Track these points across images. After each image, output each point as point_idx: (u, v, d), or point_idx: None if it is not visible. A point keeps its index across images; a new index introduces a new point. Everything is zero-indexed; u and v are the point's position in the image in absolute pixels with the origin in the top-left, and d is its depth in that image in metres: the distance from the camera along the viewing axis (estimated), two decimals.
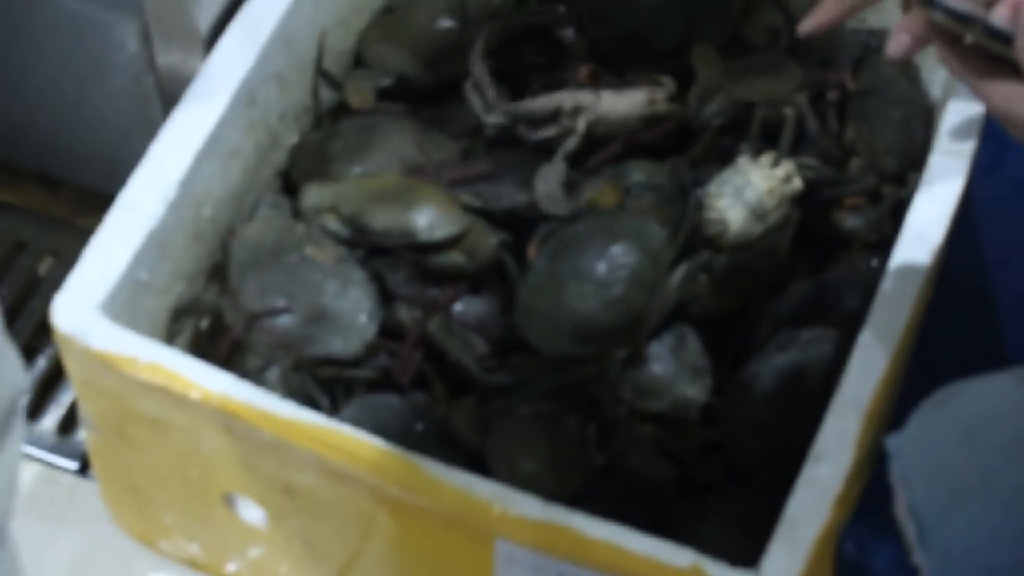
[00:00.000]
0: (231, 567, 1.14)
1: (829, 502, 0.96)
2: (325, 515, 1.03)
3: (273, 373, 1.08)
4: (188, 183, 1.08)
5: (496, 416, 1.07)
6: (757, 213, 1.12)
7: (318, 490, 1.01)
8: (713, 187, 1.13)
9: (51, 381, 1.28)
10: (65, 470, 1.23)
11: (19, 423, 0.74)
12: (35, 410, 1.26)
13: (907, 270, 1.04)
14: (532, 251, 1.08)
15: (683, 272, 1.08)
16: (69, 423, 1.25)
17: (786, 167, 1.14)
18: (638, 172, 1.14)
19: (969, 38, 0.83)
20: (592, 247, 1.08)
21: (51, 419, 1.26)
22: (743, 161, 1.14)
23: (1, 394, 0.71)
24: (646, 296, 1.07)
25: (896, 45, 0.88)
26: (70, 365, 1.04)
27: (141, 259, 1.05)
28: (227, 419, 0.99)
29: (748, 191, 1.12)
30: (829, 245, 1.18)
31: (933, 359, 1.29)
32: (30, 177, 1.36)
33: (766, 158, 1.14)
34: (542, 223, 1.10)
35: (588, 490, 1.06)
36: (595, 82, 1.21)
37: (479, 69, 1.16)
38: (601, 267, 1.07)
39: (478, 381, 1.08)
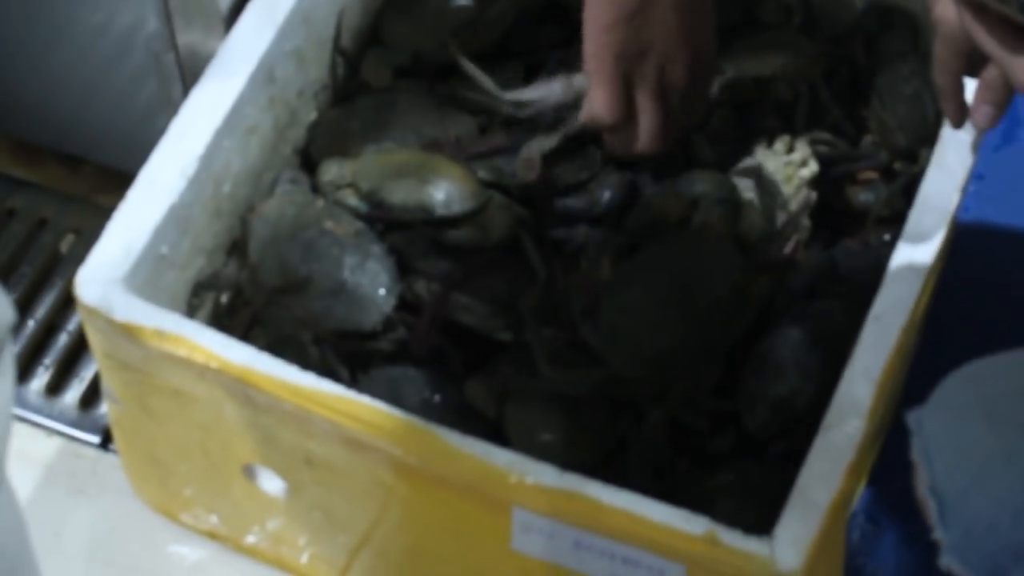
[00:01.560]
0: (251, 538, 1.16)
1: (842, 470, 0.97)
2: (344, 485, 1.05)
3: (292, 346, 1.09)
4: (208, 159, 1.09)
5: (513, 386, 1.08)
6: (778, 203, 1.13)
7: (337, 460, 1.02)
8: (732, 180, 1.14)
9: (72, 356, 1.29)
10: (87, 443, 1.25)
11: (8, 357, 0.75)
12: (57, 385, 1.28)
13: (919, 241, 1.05)
14: (607, 267, 1.07)
15: (757, 303, 1.09)
16: (91, 398, 1.27)
17: (801, 151, 1.15)
18: (703, 183, 1.12)
19: (1003, 11, 0.83)
20: (680, 273, 1.06)
21: (73, 394, 1.27)
22: (759, 150, 1.15)
23: None
24: (725, 325, 1.07)
25: (983, 117, 0.89)
26: (93, 337, 1.05)
27: (162, 234, 1.06)
28: (248, 390, 1.00)
29: (767, 182, 1.13)
30: (842, 220, 1.19)
31: (946, 330, 1.30)
32: (51, 155, 1.38)
33: (780, 144, 1.15)
34: (611, 233, 1.08)
35: (605, 460, 1.07)
36: None
37: (470, 68, 1.16)
38: (689, 296, 1.05)
39: (498, 340, 1.09)
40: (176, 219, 1.07)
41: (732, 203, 1.11)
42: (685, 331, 1.05)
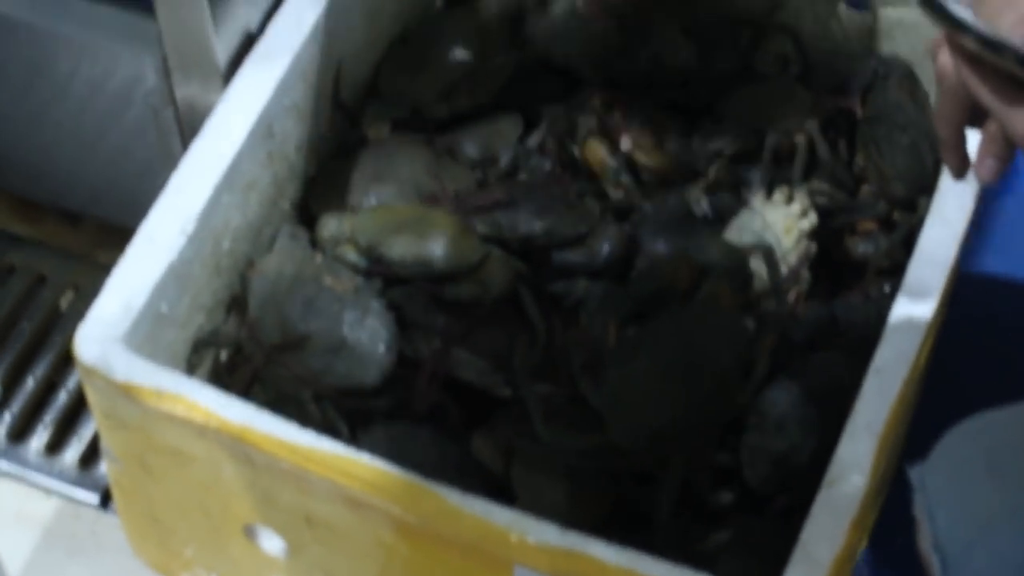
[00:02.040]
0: None
1: (845, 526, 0.96)
2: (345, 545, 1.04)
3: (292, 404, 1.09)
4: (207, 216, 1.09)
5: (518, 443, 1.08)
6: (778, 255, 1.13)
7: (338, 519, 1.02)
8: (732, 234, 1.14)
9: (72, 415, 1.29)
10: (86, 504, 1.24)
11: None
12: (56, 444, 1.27)
13: (919, 293, 1.05)
14: (612, 333, 1.06)
15: (759, 376, 1.08)
16: (90, 457, 1.27)
17: (801, 202, 1.15)
18: (715, 251, 1.12)
19: (999, 65, 0.83)
20: (686, 347, 1.05)
21: (72, 453, 1.27)
22: (757, 202, 1.15)
23: None
24: (729, 399, 1.06)
25: (986, 171, 0.88)
26: (92, 396, 1.05)
27: (161, 291, 1.06)
28: (247, 449, 1.00)
29: (767, 235, 1.13)
30: (842, 271, 1.19)
31: (947, 381, 1.30)
32: (51, 211, 1.38)
33: (779, 195, 1.15)
34: (615, 295, 1.07)
35: (608, 519, 1.07)
36: (608, 110, 1.22)
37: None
38: (694, 370, 1.05)
39: (498, 398, 1.09)
40: (175, 276, 1.07)
41: (742, 275, 1.10)
42: (688, 406, 1.05)
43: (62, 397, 1.29)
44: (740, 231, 1.14)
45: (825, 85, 1.27)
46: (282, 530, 1.06)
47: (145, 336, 1.05)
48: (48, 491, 1.25)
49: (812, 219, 1.15)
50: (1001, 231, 1.39)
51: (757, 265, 1.13)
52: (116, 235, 1.34)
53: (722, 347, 1.06)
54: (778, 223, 1.14)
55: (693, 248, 1.11)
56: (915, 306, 1.05)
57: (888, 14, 1.28)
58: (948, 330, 1.30)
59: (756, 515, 1.08)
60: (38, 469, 1.25)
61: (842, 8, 1.30)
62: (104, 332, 1.02)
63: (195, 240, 1.08)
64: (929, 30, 1.25)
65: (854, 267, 1.18)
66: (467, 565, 1.00)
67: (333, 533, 1.03)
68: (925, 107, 1.27)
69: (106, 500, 1.24)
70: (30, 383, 1.29)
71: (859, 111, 1.23)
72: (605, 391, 1.04)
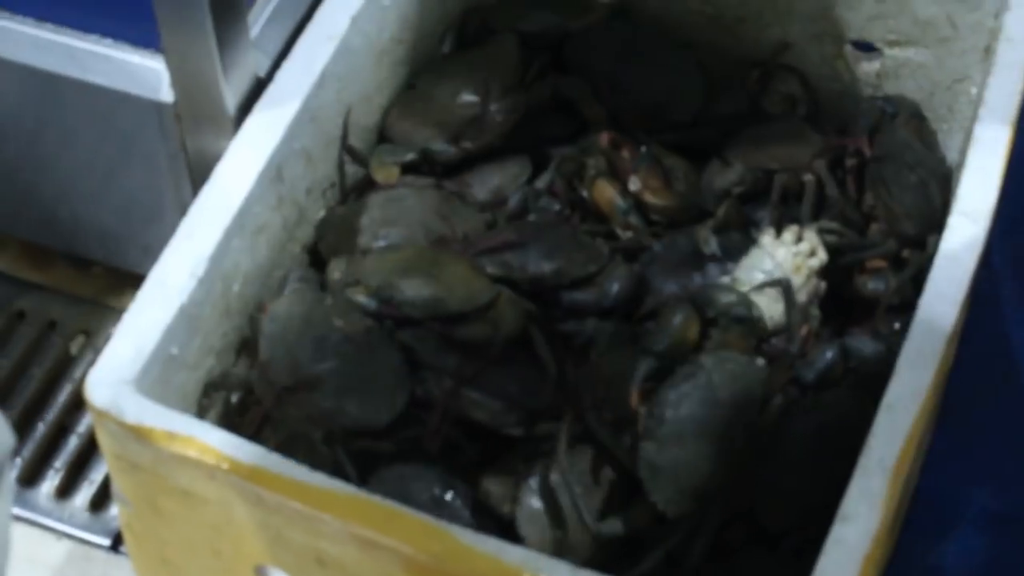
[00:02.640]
0: None
1: (858, 563, 0.96)
2: None
3: (303, 445, 1.09)
4: (217, 259, 1.09)
5: (526, 484, 1.08)
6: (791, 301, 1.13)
7: (349, 560, 1.02)
8: (742, 273, 1.14)
9: (82, 459, 1.29)
10: (98, 546, 1.24)
11: (7, 481, 0.75)
12: (67, 488, 1.28)
13: (930, 330, 1.05)
14: (636, 400, 1.06)
15: (773, 414, 1.09)
16: (101, 500, 1.27)
17: (810, 240, 1.16)
18: (725, 296, 1.11)
19: None
20: (710, 403, 1.05)
21: (83, 496, 1.27)
22: (767, 240, 1.15)
23: None
24: (756, 443, 1.06)
25: None
26: (103, 439, 1.05)
27: (172, 334, 1.06)
28: (258, 490, 1.00)
29: (777, 273, 1.13)
30: (852, 308, 1.19)
31: (957, 416, 1.30)
32: (61, 257, 1.38)
33: (788, 234, 1.16)
34: (640, 359, 1.07)
35: (618, 556, 1.07)
36: (616, 149, 1.23)
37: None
38: (722, 425, 1.05)
39: (509, 436, 1.09)
40: (186, 319, 1.07)
41: (750, 319, 1.10)
42: (725, 462, 1.05)
43: (73, 441, 1.29)
44: (750, 270, 1.14)
45: (833, 125, 1.28)
46: (294, 571, 1.06)
47: (156, 379, 1.05)
48: (59, 534, 1.25)
49: (821, 257, 1.16)
50: (1011, 265, 1.39)
51: (769, 303, 1.13)
52: (126, 281, 1.35)
53: (743, 394, 1.06)
54: (787, 262, 1.14)
55: (699, 294, 1.11)
56: (926, 342, 1.04)
57: (895, 54, 1.29)
58: (958, 368, 1.30)
59: (768, 552, 1.07)
60: (49, 513, 1.26)
61: (848, 49, 1.31)
62: (115, 375, 1.03)
63: (205, 283, 1.08)
64: (936, 71, 1.27)
65: (864, 305, 1.18)
66: None
67: (345, 574, 1.03)
68: (933, 146, 1.28)
69: (117, 543, 1.24)
70: (41, 428, 1.30)
71: (867, 150, 1.23)
72: (641, 463, 1.04)
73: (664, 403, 1.05)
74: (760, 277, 1.13)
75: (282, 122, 1.14)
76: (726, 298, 1.10)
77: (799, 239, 1.16)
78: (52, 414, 1.31)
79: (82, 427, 1.30)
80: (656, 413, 1.04)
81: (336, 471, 1.06)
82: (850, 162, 1.24)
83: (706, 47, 1.31)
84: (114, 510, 1.24)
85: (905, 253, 1.19)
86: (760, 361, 1.09)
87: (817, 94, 1.31)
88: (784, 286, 1.12)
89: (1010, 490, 1.27)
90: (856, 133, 1.25)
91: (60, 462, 1.28)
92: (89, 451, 1.29)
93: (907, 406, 1.02)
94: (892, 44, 1.28)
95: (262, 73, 1.17)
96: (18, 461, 1.28)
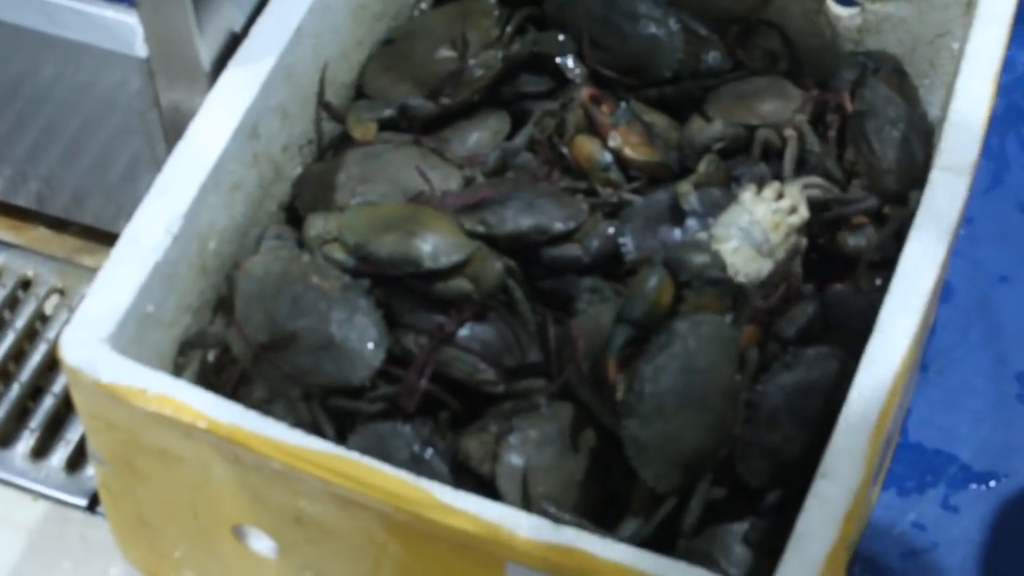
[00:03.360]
0: None
1: (839, 518, 0.96)
2: (335, 544, 1.03)
3: (280, 403, 1.08)
4: (192, 216, 1.08)
5: (506, 441, 1.07)
6: (764, 250, 1.12)
7: (327, 519, 1.01)
8: (719, 229, 1.13)
9: (58, 419, 1.28)
10: (75, 507, 1.23)
11: None
12: (43, 448, 1.26)
13: (911, 286, 1.04)
14: (612, 370, 1.04)
15: (750, 370, 1.08)
16: (77, 460, 1.26)
17: (791, 197, 1.15)
18: (699, 256, 1.08)
19: None
20: (688, 371, 1.04)
21: (59, 457, 1.26)
22: (747, 197, 1.14)
23: None
24: (736, 406, 1.06)
25: None
26: (78, 398, 1.04)
27: (147, 292, 1.05)
28: (235, 449, 0.99)
29: (754, 230, 1.12)
30: (834, 264, 1.18)
31: (940, 371, 1.30)
32: (36, 216, 1.37)
33: (769, 191, 1.15)
34: (621, 326, 1.04)
35: (598, 513, 1.06)
36: (597, 105, 1.22)
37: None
38: (701, 392, 1.04)
39: (488, 393, 1.08)
40: (161, 277, 1.06)
41: (724, 280, 1.08)
42: (708, 428, 1.04)
43: (48, 401, 1.28)
44: (727, 226, 1.13)
45: (814, 80, 1.27)
46: (272, 530, 1.05)
47: (131, 337, 1.04)
48: (36, 495, 1.24)
49: (803, 214, 1.15)
50: (991, 223, 1.38)
51: (746, 261, 1.12)
52: (101, 239, 1.34)
53: (721, 357, 1.05)
54: (766, 219, 1.13)
55: (672, 257, 1.08)
56: (907, 298, 1.04)
57: (876, 9, 1.28)
58: (938, 323, 1.30)
59: (749, 508, 1.07)
60: (25, 474, 1.24)
61: (830, 3, 1.30)
62: (89, 334, 1.02)
63: (181, 240, 1.07)
64: (918, 26, 1.27)
65: (846, 261, 1.18)
66: (459, 562, 0.99)
67: (323, 532, 1.02)
68: (914, 101, 1.27)
69: (94, 503, 1.23)
70: (15, 388, 1.29)
71: (848, 106, 1.22)
72: (626, 440, 1.03)
73: (643, 378, 1.03)
74: (736, 233, 1.12)
75: (257, 78, 1.13)
76: (699, 259, 1.08)
77: (780, 196, 1.15)
78: (27, 374, 1.29)
79: (57, 387, 1.29)
80: (636, 388, 1.03)
81: (314, 429, 1.06)
82: (831, 118, 1.23)
83: (687, 3, 1.29)
84: (90, 470, 1.23)
85: (887, 209, 1.19)
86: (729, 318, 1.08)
87: (798, 50, 1.30)
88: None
89: (990, 449, 1.26)
90: (837, 88, 1.24)
91: (35, 422, 1.27)
92: (65, 411, 1.28)
93: (888, 362, 1.01)
94: None
95: (237, 28, 1.16)
96: None
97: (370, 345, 1.09)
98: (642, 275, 1.06)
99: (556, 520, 0.96)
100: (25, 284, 1.34)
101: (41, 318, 1.33)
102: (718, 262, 1.08)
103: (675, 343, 1.04)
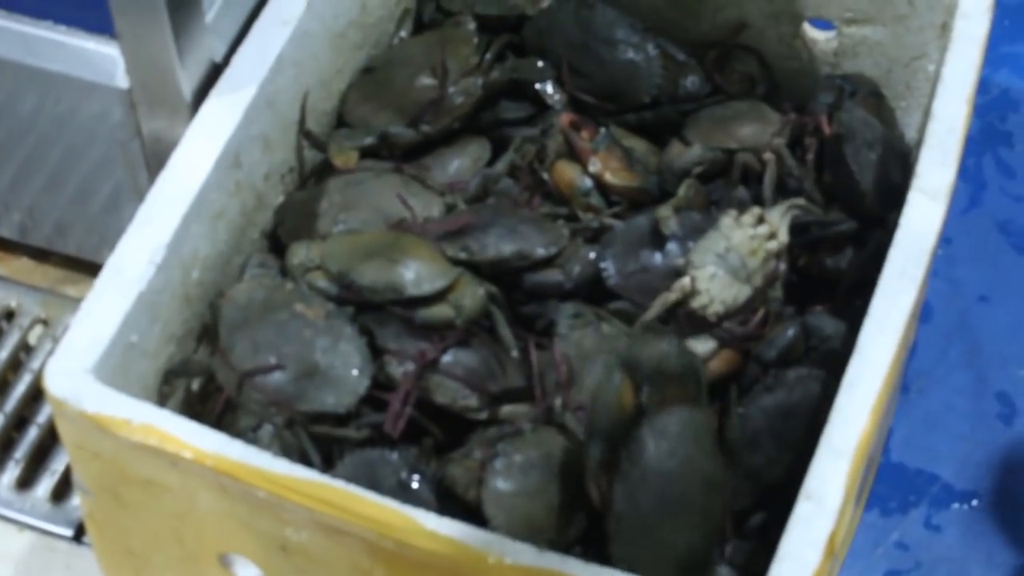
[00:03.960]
0: None
1: (822, 540, 0.96)
2: (322, 572, 1.03)
3: (266, 431, 1.09)
4: (176, 246, 1.08)
5: (491, 466, 1.08)
6: (741, 276, 1.13)
7: (314, 547, 1.01)
8: (696, 255, 1.14)
9: (43, 449, 1.28)
10: (60, 537, 1.23)
11: None
12: (28, 479, 1.26)
13: (890, 307, 1.05)
14: (596, 496, 1.03)
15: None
16: (62, 491, 1.26)
17: (771, 224, 1.15)
18: (646, 354, 1.05)
19: None
20: (662, 476, 1.03)
21: (44, 487, 1.26)
22: (726, 222, 1.15)
23: None
24: (719, 491, 1.05)
25: None
26: (63, 429, 1.04)
27: (131, 322, 1.05)
28: (221, 478, 0.99)
29: (731, 256, 1.13)
30: (814, 287, 1.19)
31: (918, 395, 1.31)
32: (19, 247, 1.37)
33: (749, 217, 1.15)
34: (593, 442, 1.03)
35: (582, 537, 1.07)
36: (576, 130, 1.22)
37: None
38: (680, 493, 1.03)
39: (472, 419, 1.09)
40: (145, 307, 1.06)
41: (682, 369, 1.06)
42: (691, 526, 1.04)
43: (33, 432, 1.28)
44: (704, 252, 1.14)
45: (792, 104, 1.28)
46: (258, 559, 1.05)
47: (115, 367, 1.04)
48: (21, 526, 1.24)
49: (782, 240, 1.15)
50: (968, 243, 1.40)
51: (723, 288, 1.12)
52: (84, 269, 1.35)
53: (693, 449, 1.04)
54: (743, 245, 1.14)
55: (626, 356, 1.05)
56: (886, 319, 1.05)
57: (852, 32, 1.29)
58: (917, 343, 1.31)
59: (734, 531, 1.08)
60: (10, 504, 1.25)
61: (806, 27, 1.31)
62: (74, 364, 1.02)
63: (164, 270, 1.08)
64: (894, 49, 1.28)
65: (825, 283, 1.19)
66: None
67: (310, 560, 1.02)
68: (891, 124, 1.28)
69: (80, 534, 1.23)
70: (0, 419, 1.29)
71: (826, 129, 1.23)
72: (618, 551, 1.02)
73: (619, 500, 1.03)
74: (713, 260, 1.13)
75: (239, 107, 1.13)
76: (651, 353, 1.05)
77: (760, 221, 1.16)
78: (11, 404, 1.29)
79: (42, 417, 1.29)
80: (615, 511, 1.03)
81: (300, 456, 1.06)
82: (809, 141, 1.24)
83: (664, 28, 1.31)
84: (76, 500, 1.23)
85: (866, 231, 1.19)
86: (699, 409, 1.07)
87: (775, 73, 1.32)
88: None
89: (971, 468, 1.27)
90: (815, 112, 1.25)
91: (20, 453, 1.27)
92: (50, 441, 1.28)
93: (868, 383, 1.02)
94: (849, 22, 1.29)
95: (218, 58, 1.16)
96: None
97: (354, 372, 1.10)
98: (600, 387, 1.05)
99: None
100: (8, 315, 1.35)
101: (25, 348, 1.33)
102: (671, 350, 1.06)
103: (644, 453, 1.03)
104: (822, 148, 1.23)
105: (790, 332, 1.14)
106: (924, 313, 1.34)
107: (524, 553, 0.96)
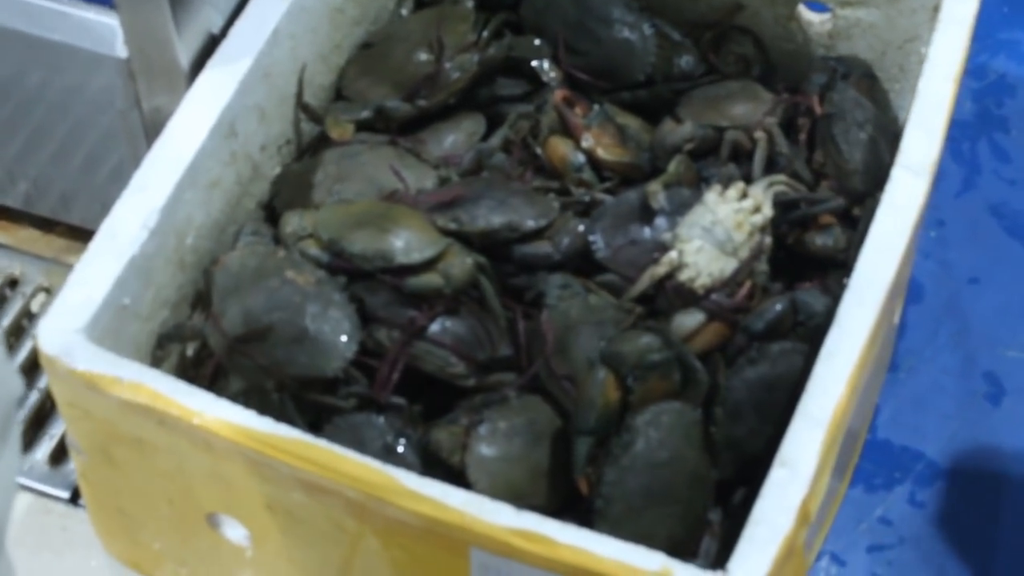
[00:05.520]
0: None
1: (795, 505, 0.97)
2: (305, 531, 1.05)
3: (255, 395, 1.10)
4: (169, 211, 1.10)
5: (475, 432, 1.09)
6: (728, 249, 1.14)
7: (296, 506, 1.03)
8: (683, 229, 1.15)
9: (43, 414, 1.30)
10: (57, 499, 1.25)
11: (16, 429, 0.76)
12: (28, 442, 1.29)
13: (869, 280, 1.06)
14: (584, 487, 1.06)
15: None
16: (60, 455, 1.28)
17: (755, 197, 1.17)
18: (627, 349, 1.07)
19: None
20: (652, 466, 1.05)
21: (43, 450, 1.28)
22: (711, 197, 1.16)
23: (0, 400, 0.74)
24: (704, 488, 1.08)
25: None
26: (56, 387, 1.06)
27: (123, 285, 1.07)
28: (207, 436, 1.01)
29: (717, 229, 1.14)
30: (802, 264, 1.20)
31: (906, 374, 1.32)
32: (24, 217, 1.40)
33: (733, 191, 1.17)
34: (580, 438, 1.06)
35: (566, 504, 1.08)
36: (570, 107, 1.24)
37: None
38: (668, 485, 1.06)
39: (459, 387, 1.11)
40: (137, 270, 1.09)
41: (663, 361, 1.08)
42: (675, 518, 1.06)
43: (33, 397, 1.30)
44: (690, 227, 1.15)
45: (786, 85, 1.29)
46: (244, 518, 1.07)
47: (107, 328, 1.06)
48: (19, 488, 1.25)
49: (766, 214, 1.17)
50: (961, 226, 1.41)
51: (710, 260, 1.14)
52: (87, 239, 1.35)
53: (683, 444, 1.07)
54: (729, 218, 1.15)
55: (608, 352, 1.07)
56: (865, 292, 1.06)
57: (846, 15, 1.30)
58: (908, 324, 1.32)
59: (716, 501, 1.09)
60: None
61: (801, 9, 1.32)
62: (65, 323, 1.04)
63: (157, 235, 1.10)
64: (887, 31, 1.29)
65: (814, 260, 1.20)
66: (425, 548, 1.01)
67: (294, 520, 1.04)
68: (885, 105, 1.29)
69: (76, 496, 1.25)
70: None
71: (817, 108, 1.24)
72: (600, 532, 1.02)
73: (608, 482, 1.05)
74: (699, 233, 1.14)
75: (235, 78, 1.15)
76: (632, 348, 1.07)
77: (744, 195, 1.17)
78: None
79: (42, 383, 1.31)
80: (603, 493, 1.05)
81: (287, 420, 1.08)
82: (802, 121, 1.25)
83: (661, 9, 1.32)
84: (73, 464, 1.25)
85: (855, 210, 1.21)
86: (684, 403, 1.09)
87: (771, 55, 1.33)
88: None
89: (957, 446, 1.28)
90: (807, 92, 1.26)
91: (20, 416, 1.29)
92: (49, 407, 1.30)
93: (846, 354, 1.03)
94: (844, 4, 1.30)
95: (215, 30, 1.18)
96: None
97: (343, 338, 1.11)
98: (585, 382, 1.07)
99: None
100: (12, 283, 1.37)
101: (28, 315, 1.35)
102: (652, 344, 1.08)
103: (636, 441, 1.06)
104: (814, 129, 1.24)
105: (778, 306, 1.15)
106: (915, 294, 1.35)
107: (502, 513, 0.97)
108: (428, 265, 1.13)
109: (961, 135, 1.45)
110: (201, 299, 1.16)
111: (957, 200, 1.41)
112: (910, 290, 1.34)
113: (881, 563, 1.22)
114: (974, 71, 1.48)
